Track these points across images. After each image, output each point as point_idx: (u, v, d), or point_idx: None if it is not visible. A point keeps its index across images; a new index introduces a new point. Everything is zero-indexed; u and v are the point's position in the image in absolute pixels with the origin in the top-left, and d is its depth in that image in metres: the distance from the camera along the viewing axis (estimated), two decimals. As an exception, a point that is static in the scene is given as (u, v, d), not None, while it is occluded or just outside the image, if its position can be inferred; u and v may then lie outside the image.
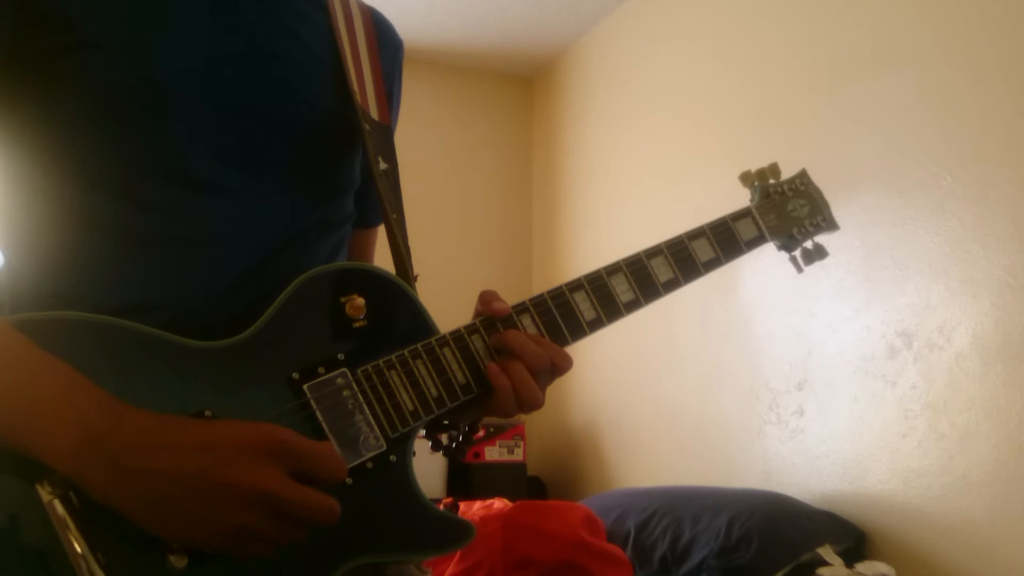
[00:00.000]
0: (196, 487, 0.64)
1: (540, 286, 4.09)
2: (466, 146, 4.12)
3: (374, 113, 0.92)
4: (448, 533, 0.78)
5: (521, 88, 4.26)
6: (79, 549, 0.64)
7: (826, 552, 2.09)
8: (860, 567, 2.07)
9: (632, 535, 2.39)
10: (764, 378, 2.62)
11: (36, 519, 0.65)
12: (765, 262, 2.58)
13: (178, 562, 0.66)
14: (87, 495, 0.65)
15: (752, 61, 2.82)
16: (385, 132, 0.94)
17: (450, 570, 2.30)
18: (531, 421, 3.62)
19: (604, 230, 3.56)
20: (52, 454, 0.64)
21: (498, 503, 2.58)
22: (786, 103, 2.65)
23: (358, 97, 0.89)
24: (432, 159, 3.95)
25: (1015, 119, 1.97)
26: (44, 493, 0.64)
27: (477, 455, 3.33)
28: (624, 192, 3.45)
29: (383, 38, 0.98)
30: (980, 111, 2.05)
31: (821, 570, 2.05)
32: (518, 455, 3.41)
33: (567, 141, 3.92)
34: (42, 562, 0.65)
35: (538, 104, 4.22)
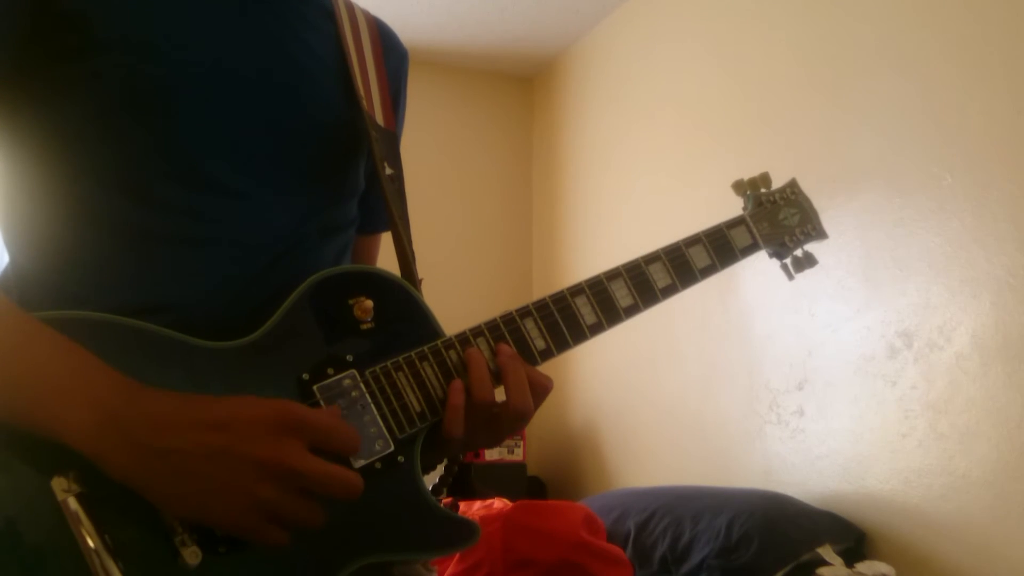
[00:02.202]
0: (218, 464, 0.65)
1: (540, 286, 4.10)
2: (466, 146, 4.12)
3: (380, 119, 0.94)
4: (454, 534, 0.79)
5: (521, 88, 4.26)
6: (92, 544, 0.64)
7: (826, 552, 2.10)
8: (860, 567, 2.08)
9: (632, 535, 2.40)
10: (764, 378, 2.63)
11: (50, 514, 0.65)
12: (765, 263, 2.58)
13: (191, 559, 0.67)
14: (104, 479, 0.65)
15: (752, 61, 2.83)
16: (391, 138, 0.95)
17: (450, 570, 2.31)
18: (531, 421, 3.62)
19: (604, 230, 3.57)
20: (73, 435, 0.64)
21: (498, 503, 2.59)
22: (786, 103, 2.65)
23: (365, 103, 0.91)
24: (432, 159, 3.95)
25: (1015, 119, 1.98)
26: (59, 489, 0.65)
27: (477, 455, 3.34)
28: (624, 192, 3.45)
29: (387, 46, 1.00)
30: (980, 111, 2.06)
31: (821, 570, 2.05)
32: (518, 455, 3.42)
33: (567, 141, 3.92)
34: (54, 557, 0.66)
35: (538, 104, 4.22)
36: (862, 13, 2.41)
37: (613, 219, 3.51)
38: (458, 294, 3.01)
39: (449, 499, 2.86)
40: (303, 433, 0.68)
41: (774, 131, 2.68)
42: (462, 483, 3.26)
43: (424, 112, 3.87)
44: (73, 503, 0.64)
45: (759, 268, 2.61)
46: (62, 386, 0.65)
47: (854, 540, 2.21)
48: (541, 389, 0.82)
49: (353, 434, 0.72)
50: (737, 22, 2.91)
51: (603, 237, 3.57)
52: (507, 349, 0.82)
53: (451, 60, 4.05)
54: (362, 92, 0.91)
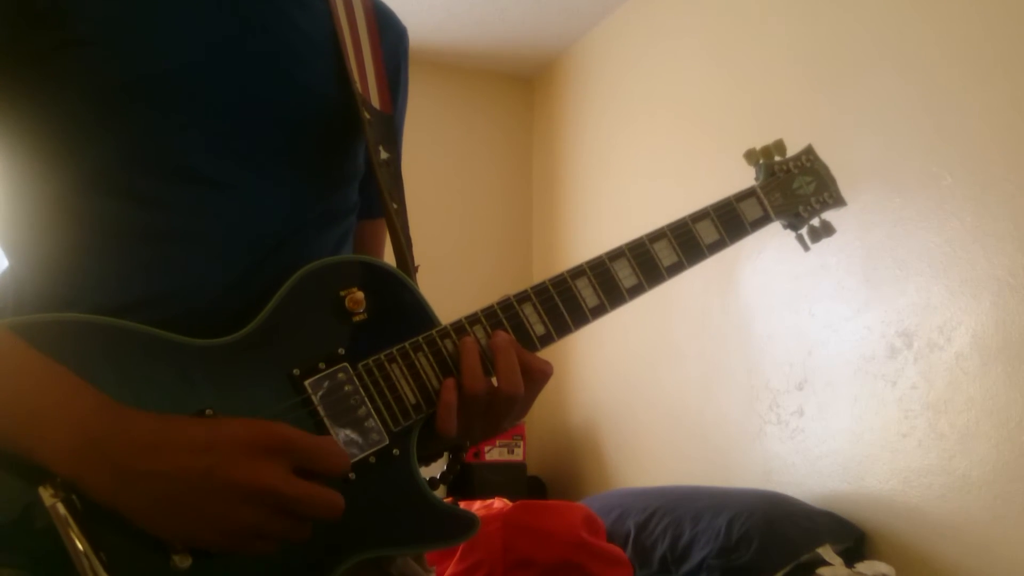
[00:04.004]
0: (200, 487, 0.64)
1: (540, 286, 4.09)
2: (466, 146, 4.12)
3: (375, 101, 0.91)
4: (453, 525, 0.77)
5: (521, 88, 4.26)
6: (81, 547, 0.63)
7: (826, 552, 2.09)
8: (860, 567, 2.07)
9: (632, 535, 2.39)
10: (764, 378, 2.62)
11: (39, 520, 0.64)
12: (766, 262, 2.58)
13: (182, 562, 0.66)
14: (90, 498, 0.64)
15: (752, 61, 2.82)
16: (387, 121, 0.92)
17: (450, 570, 2.30)
18: (531, 421, 3.62)
19: (603, 229, 3.56)
20: (54, 459, 0.64)
21: (498, 503, 2.58)
22: (786, 102, 2.65)
23: (358, 85, 0.88)
24: (433, 159, 3.95)
25: (1015, 119, 1.98)
26: (47, 496, 0.64)
27: (477, 455, 3.33)
28: (623, 191, 3.45)
29: (383, 25, 0.97)
30: (980, 111, 2.05)
31: (821, 570, 2.05)
32: (518, 455, 3.41)
33: (567, 141, 3.92)
34: (46, 563, 0.65)
35: (538, 104, 4.22)
36: (861, 12, 2.41)
37: (613, 218, 3.51)
38: (459, 294, 3.01)
39: (449, 499, 2.86)
40: (287, 454, 0.66)
41: (773, 131, 2.63)
42: (462, 483, 3.26)
43: (424, 112, 3.88)
44: (61, 508, 0.63)
45: (759, 267, 2.63)
46: (43, 410, 0.64)
47: (854, 540, 2.21)
48: (539, 375, 0.79)
49: (340, 453, 0.70)
50: (736, 22, 2.91)
51: (602, 236, 3.55)
52: (502, 335, 0.79)
53: (451, 60, 4.05)
54: (355, 74, 0.88)
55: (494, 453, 3.37)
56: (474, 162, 4.12)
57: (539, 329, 0.82)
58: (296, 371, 0.74)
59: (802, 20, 2.63)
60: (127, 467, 0.63)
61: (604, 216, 3.58)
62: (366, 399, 0.75)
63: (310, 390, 0.74)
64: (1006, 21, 2.02)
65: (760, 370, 2.64)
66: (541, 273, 4.04)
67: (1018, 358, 1.92)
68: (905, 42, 2.26)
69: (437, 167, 3.97)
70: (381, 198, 0.89)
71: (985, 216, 2.02)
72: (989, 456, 1.96)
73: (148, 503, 0.64)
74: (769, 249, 2.52)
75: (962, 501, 2.01)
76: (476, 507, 2.57)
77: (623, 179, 3.47)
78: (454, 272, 3.77)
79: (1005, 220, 1.98)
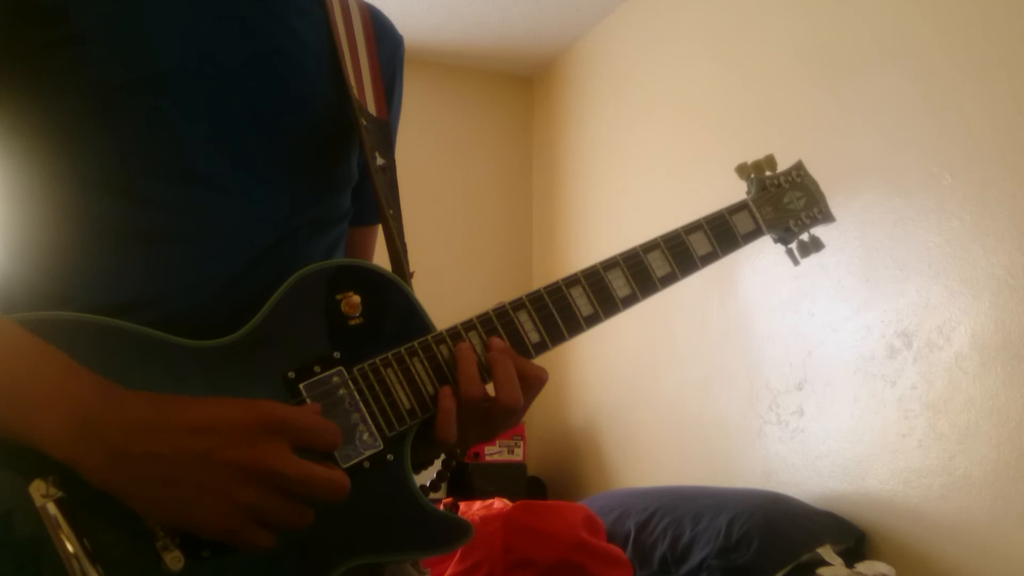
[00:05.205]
0: (198, 469, 0.63)
1: (540, 285, 4.09)
2: (466, 146, 4.12)
3: (371, 108, 0.91)
4: (447, 532, 0.77)
5: (521, 88, 4.26)
6: (71, 549, 0.63)
7: (826, 552, 2.09)
8: (860, 567, 2.07)
9: (632, 535, 2.39)
10: (764, 378, 2.62)
11: (30, 520, 0.64)
12: (765, 262, 2.58)
13: (173, 564, 0.65)
14: (85, 483, 0.64)
15: (752, 60, 2.82)
16: (383, 127, 0.93)
17: (450, 570, 2.30)
18: (531, 421, 3.62)
19: (604, 229, 3.56)
20: (49, 441, 0.63)
21: (498, 503, 2.58)
22: (786, 102, 2.65)
23: (355, 92, 0.88)
24: (433, 159, 3.95)
25: (1015, 119, 1.97)
26: (37, 496, 0.63)
27: (477, 455, 3.33)
28: (624, 191, 3.45)
29: (381, 33, 0.97)
30: (980, 110, 2.05)
31: (821, 570, 2.05)
32: (518, 455, 3.41)
33: (567, 141, 3.92)
34: (35, 562, 0.64)
35: (538, 104, 4.22)
36: (862, 10, 2.40)
37: (613, 218, 3.51)
38: (459, 294, 3.01)
39: (450, 499, 2.86)
40: (286, 434, 0.66)
41: (774, 130, 2.67)
42: (462, 483, 3.26)
43: (425, 111, 3.88)
44: (52, 508, 0.63)
45: (759, 268, 2.62)
46: (39, 393, 0.64)
47: (854, 540, 2.21)
48: (535, 381, 0.80)
49: (336, 430, 0.70)
50: (736, 21, 2.91)
51: (603, 236, 3.56)
52: (498, 342, 0.79)
53: (451, 60, 4.05)
54: (352, 80, 0.88)
55: (494, 453, 3.38)
56: (474, 161, 4.13)
57: (534, 337, 0.83)
58: (291, 374, 0.74)
59: (803, 19, 2.62)
60: (123, 449, 0.63)
61: (604, 215, 3.58)
62: (361, 403, 0.75)
63: (305, 393, 0.74)
64: (1007, 20, 2.01)
65: (760, 370, 2.64)
66: (541, 272, 4.04)
67: (1018, 358, 1.92)
68: (906, 41, 2.26)
69: (437, 166, 3.97)
70: (378, 204, 0.89)
71: (985, 216, 2.02)
72: (989, 456, 1.96)
73: (145, 486, 0.63)
74: (769, 250, 2.52)
75: (962, 501, 2.01)
76: (476, 507, 2.57)
77: (623, 178, 3.47)
78: (453, 270, 3.77)
79: (1005, 220, 1.97)
